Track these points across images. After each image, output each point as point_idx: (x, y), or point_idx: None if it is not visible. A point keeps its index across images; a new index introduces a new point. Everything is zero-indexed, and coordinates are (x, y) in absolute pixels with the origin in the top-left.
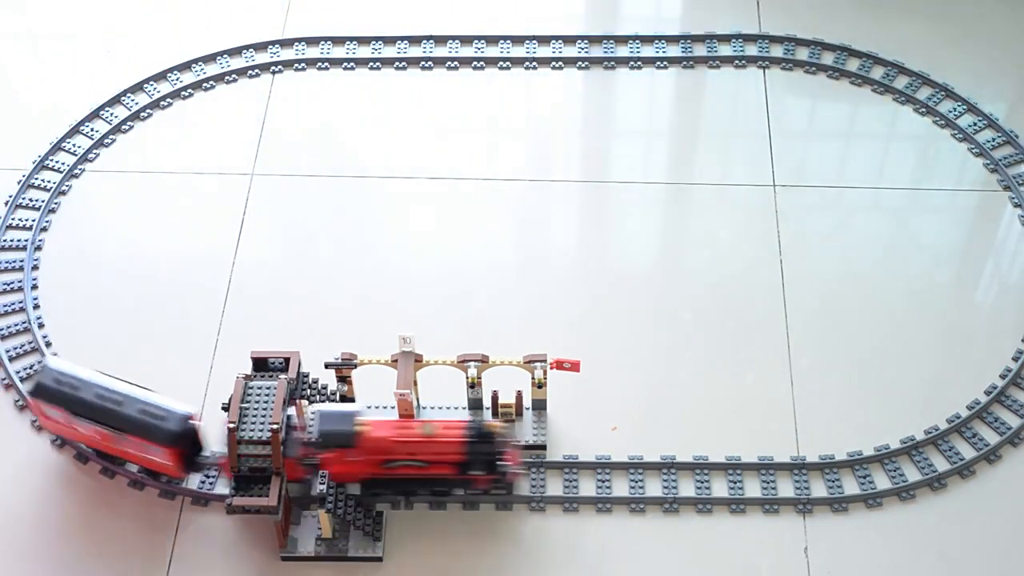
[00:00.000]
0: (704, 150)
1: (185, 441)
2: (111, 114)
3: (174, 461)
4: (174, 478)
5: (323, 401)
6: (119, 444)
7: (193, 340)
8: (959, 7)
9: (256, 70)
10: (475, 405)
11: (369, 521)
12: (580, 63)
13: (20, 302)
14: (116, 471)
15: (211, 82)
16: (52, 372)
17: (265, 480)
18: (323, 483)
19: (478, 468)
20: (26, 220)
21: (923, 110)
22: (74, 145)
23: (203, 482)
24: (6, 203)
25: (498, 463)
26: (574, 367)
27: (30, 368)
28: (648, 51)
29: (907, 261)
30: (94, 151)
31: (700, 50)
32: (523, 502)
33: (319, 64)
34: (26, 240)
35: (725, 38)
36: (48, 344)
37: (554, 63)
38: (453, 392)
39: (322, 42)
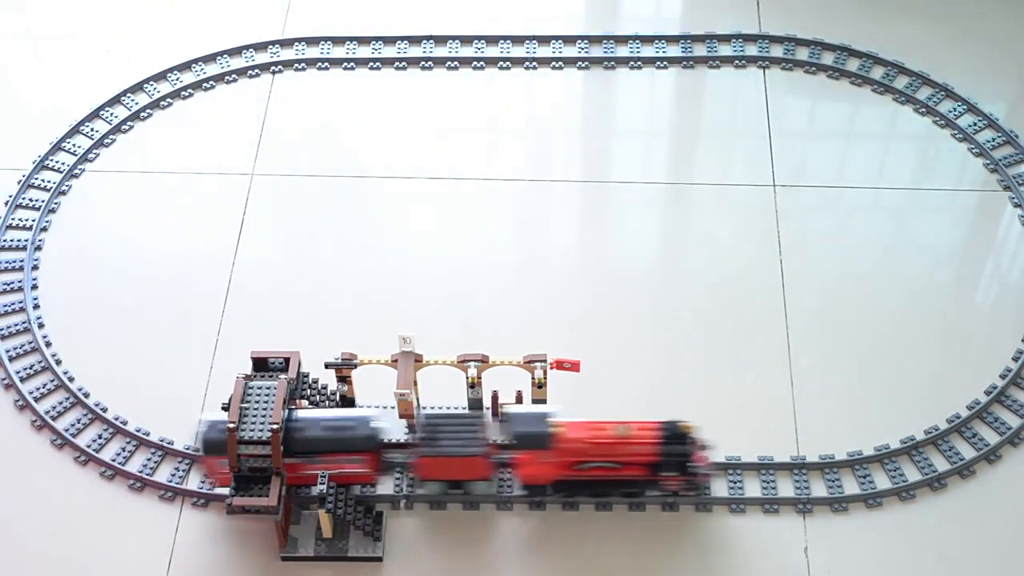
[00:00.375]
0: (704, 150)
1: (381, 443)
2: (111, 114)
3: (374, 466)
4: (368, 483)
5: (323, 401)
6: (303, 470)
7: (193, 340)
8: (959, 7)
9: (256, 70)
10: (475, 405)
11: (369, 521)
12: (580, 63)
13: (20, 302)
14: (116, 471)
15: (211, 82)
16: (216, 424)
17: (265, 480)
18: (323, 483)
19: (670, 469)
20: (26, 220)
21: (923, 110)
22: (74, 145)
23: (203, 482)
24: (6, 203)
25: (689, 464)
26: (574, 367)
27: (30, 368)
28: (648, 51)
29: (907, 261)
30: (94, 151)
31: (700, 50)
32: (523, 502)
33: (319, 64)
34: (26, 240)
35: (725, 38)
36: (48, 344)
37: (554, 63)
38: (453, 392)
39: (322, 42)
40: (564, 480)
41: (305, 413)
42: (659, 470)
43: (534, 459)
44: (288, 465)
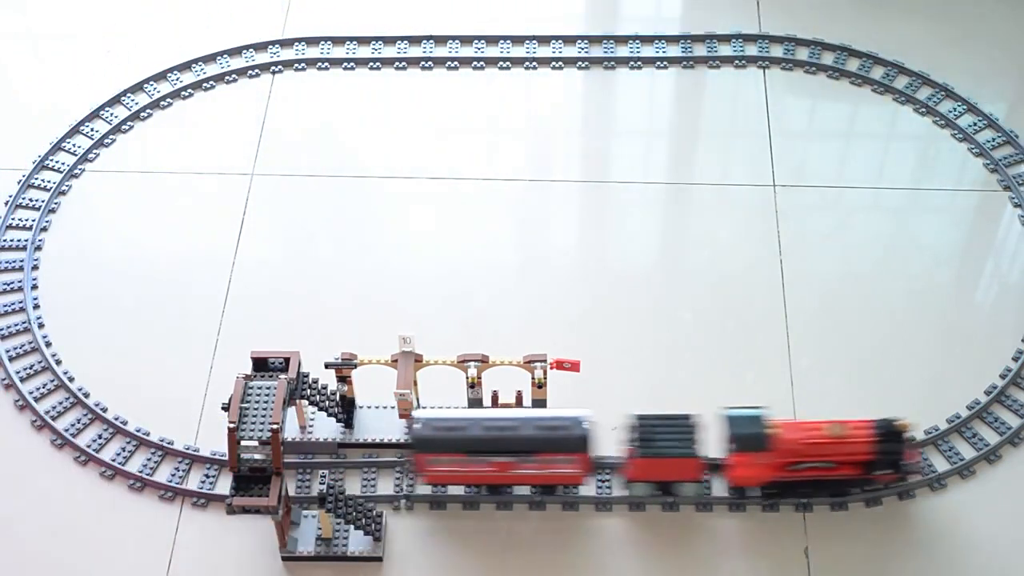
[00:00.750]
0: (704, 150)
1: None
2: (111, 114)
3: (585, 467)
4: (576, 484)
5: (323, 401)
6: (519, 469)
7: (193, 340)
8: (959, 7)
9: (256, 70)
10: (475, 405)
11: (369, 521)
12: (580, 63)
13: (20, 302)
14: (116, 470)
15: (211, 82)
16: (429, 422)
17: (265, 480)
18: (323, 483)
19: (884, 467)
20: (26, 220)
21: (923, 110)
22: (74, 145)
23: (203, 482)
24: (6, 203)
25: (901, 462)
26: (574, 367)
27: (30, 368)
28: (648, 51)
29: (907, 261)
30: (94, 151)
31: (700, 50)
32: (523, 502)
33: (319, 64)
34: (26, 240)
35: (725, 38)
36: (48, 344)
37: (554, 63)
38: (453, 392)
39: (322, 42)
40: (776, 481)
41: (515, 412)
42: (873, 469)
43: (751, 461)
44: (498, 464)
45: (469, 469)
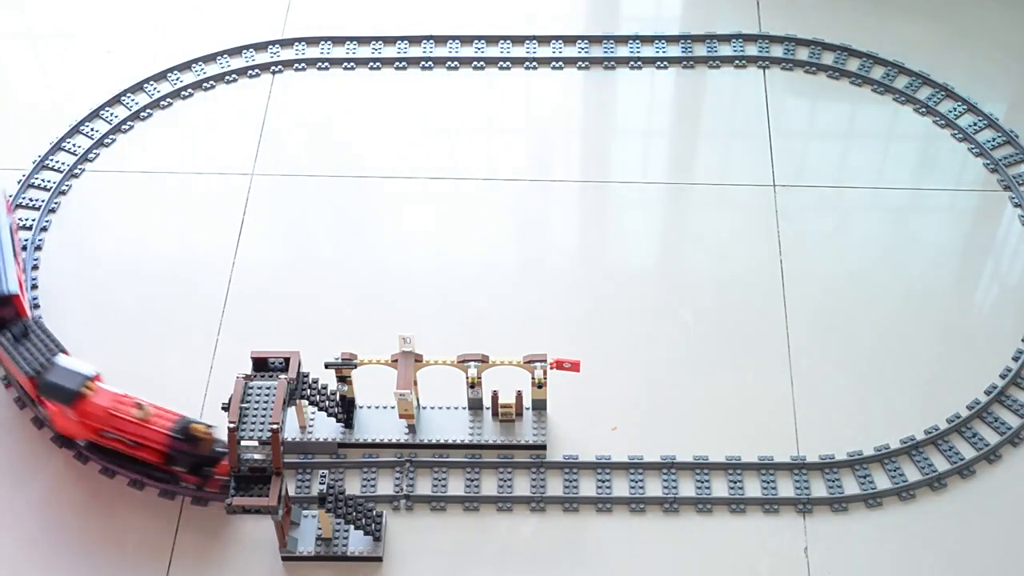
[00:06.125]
0: (704, 150)
1: None
2: (111, 114)
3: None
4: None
5: (323, 401)
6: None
7: (193, 340)
8: (959, 7)
9: (256, 70)
10: (475, 405)
11: (369, 521)
12: (580, 63)
13: None
14: (116, 471)
15: (211, 82)
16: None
17: (265, 480)
18: (323, 483)
19: (182, 465)
20: (26, 220)
21: (923, 110)
22: (74, 145)
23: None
24: None
25: (205, 467)
26: (574, 367)
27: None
28: (648, 51)
29: (907, 261)
30: (94, 151)
31: (700, 50)
32: (523, 502)
33: (319, 64)
34: (26, 240)
35: (725, 38)
36: None
37: (554, 63)
38: (453, 392)
39: (322, 42)
40: (95, 444)
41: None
42: (172, 463)
43: (59, 411)
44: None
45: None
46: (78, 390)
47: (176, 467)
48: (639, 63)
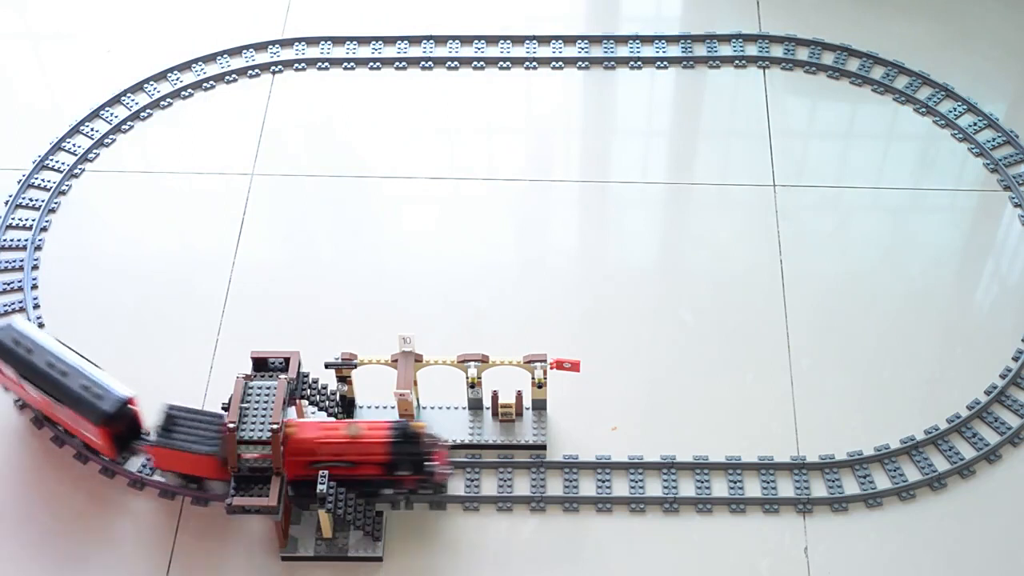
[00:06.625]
0: (704, 150)
1: (118, 423)
2: (111, 114)
3: (104, 441)
4: (107, 457)
5: (323, 401)
6: (58, 413)
7: (193, 340)
8: (959, 7)
9: (256, 70)
10: (475, 405)
11: (369, 521)
12: (580, 63)
13: (20, 302)
14: (116, 471)
15: (211, 82)
16: (13, 332)
17: (265, 480)
18: (323, 483)
19: (406, 468)
20: (26, 220)
21: (923, 110)
22: (74, 145)
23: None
24: (6, 203)
25: (425, 464)
26: (574, 367)
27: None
28: (648, 51)
29: (907, 261)
30: (94, 151)
31: (700, 50)
32: (523, 502)
33: (319, 64)
34: (26, 240)
35: (725, 38)
36: None
37: (554, 63)
38: (453, 392)
39: (322, 42)
40: (300, 479)
41: (81, 363)
42: (395, 469)
43: None
44: (43, 400)
45: (28, 392)
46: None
47: (400, 472)
48: (639, 63)
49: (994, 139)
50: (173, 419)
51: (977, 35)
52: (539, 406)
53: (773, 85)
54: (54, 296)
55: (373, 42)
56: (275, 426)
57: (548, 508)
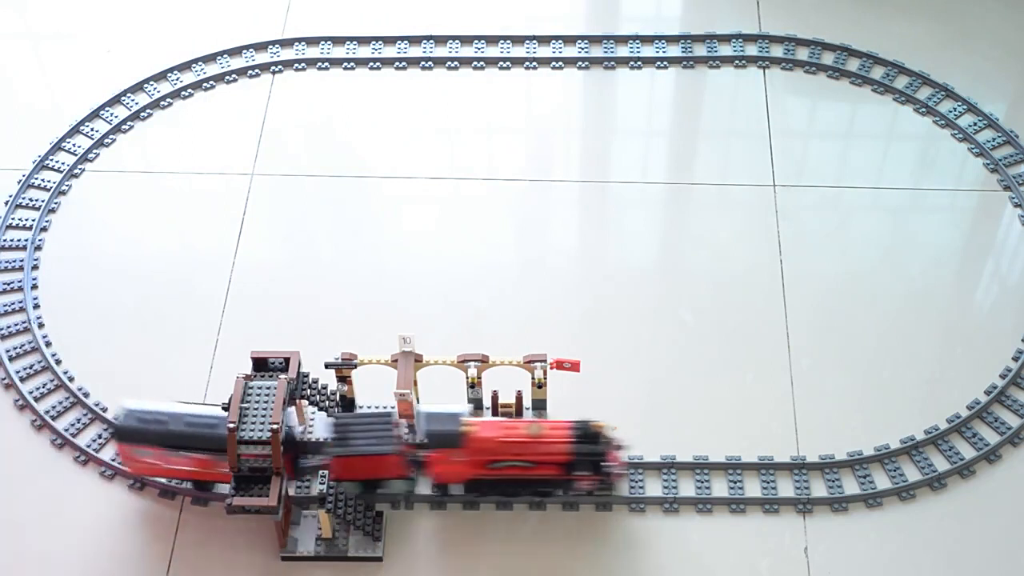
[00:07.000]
0: (704, 150)
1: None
2: (111, 114)
3: (288, 466)
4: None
5: (323, 401)
6: (219, 467)
7: (193, 340)
8: (959, 7)
9: (256, 70)
10: (475, 405)
11: (369, 521)
12: (580, 63)
13: (20, 302)
14: (116, 470)
15: (211, 82)
16: (134, 413)
17: (265, 480)
18: (323, 483)
19: (583, 469)
20: (26, 220)
21: (923, 110)
22: (74, 145)
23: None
24: (6, 203)
25: (602, 464)
26: (574, 367)
27: (30, 368)
28: (648, 51)
29: (907, 261)
30: (94, 151)
31: (700, 50)
32: (523, 502)
33: (319, 64)
34: (26, 240)
35: (725, 38)
36: (48, 344)
37: (554, 63)
38: (453, 392)
39: (322, 42)
40: (477, 479)
41: (214, 411)
42: (573, 469)
43: (446, 458)
44: (198, 460)
45: (174, 464)
46: (464, 430)
47: (578, 472)
48: (639, 63)
49: (994, 139)
50: (344, 426)
51: (977, 35)
52: (539, 406)
53: (773, 85)
54: (54, 296)
55: (373, 42)
56: (275, 426)
57: (548, 507)
